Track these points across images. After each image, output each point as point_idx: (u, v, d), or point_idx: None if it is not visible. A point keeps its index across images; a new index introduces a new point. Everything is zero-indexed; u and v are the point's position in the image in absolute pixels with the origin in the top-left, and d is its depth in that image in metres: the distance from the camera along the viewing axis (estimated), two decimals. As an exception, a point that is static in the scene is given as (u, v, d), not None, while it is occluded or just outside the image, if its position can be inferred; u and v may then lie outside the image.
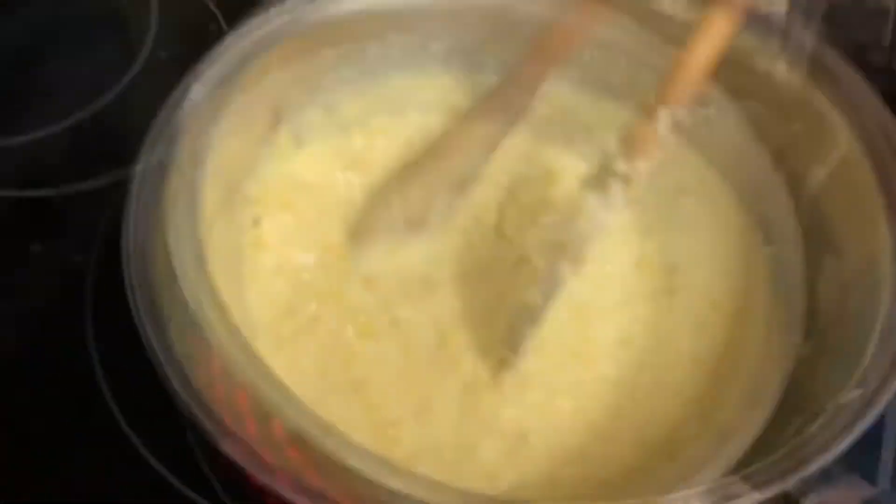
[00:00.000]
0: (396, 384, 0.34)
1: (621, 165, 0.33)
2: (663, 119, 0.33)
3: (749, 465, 0.27)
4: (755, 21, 0.50)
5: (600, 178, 0.34)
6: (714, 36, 0.35)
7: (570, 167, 0.39)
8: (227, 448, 0.25)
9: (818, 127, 0.49)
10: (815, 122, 0.49)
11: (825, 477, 0.26)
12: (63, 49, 0.47)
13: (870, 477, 0.35)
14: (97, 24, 0.48)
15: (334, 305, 0.36)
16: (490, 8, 0.37)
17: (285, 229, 0.38)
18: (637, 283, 0.37)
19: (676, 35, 0.36)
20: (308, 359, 0.34)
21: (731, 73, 0.49)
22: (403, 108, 0.40)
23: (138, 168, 0.32)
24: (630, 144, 0.33)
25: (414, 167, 0.39)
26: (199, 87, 0.32)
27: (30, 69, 0.46)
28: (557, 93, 0.39)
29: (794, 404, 0.31)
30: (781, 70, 0.50)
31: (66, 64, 0.46)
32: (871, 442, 0.32)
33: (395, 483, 0.24)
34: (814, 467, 0.26)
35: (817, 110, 0.51)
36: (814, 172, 0.50)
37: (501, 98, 0.38)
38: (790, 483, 0.25)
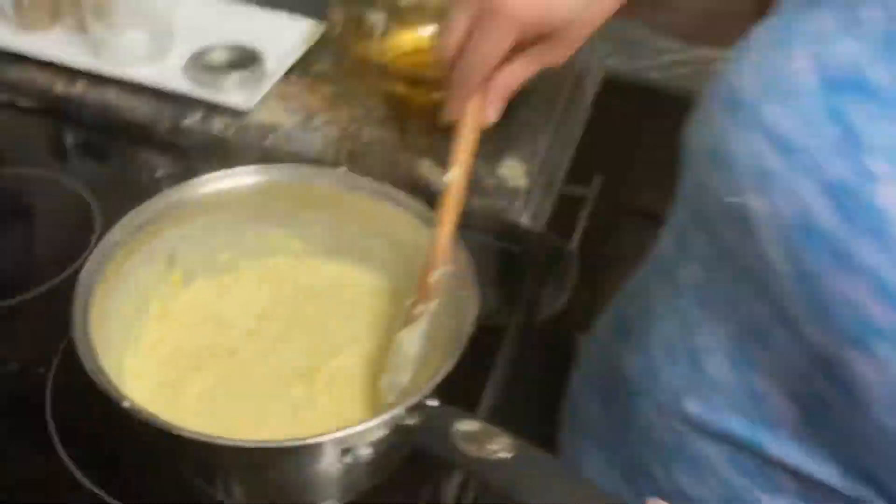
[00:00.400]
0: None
1: (420, 308, 0.53)
2: (436, 276, 0.54)
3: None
4: (484, 190, 0.74)
5: (410, 320, 0.53)
6: (450, 221, 0.56)
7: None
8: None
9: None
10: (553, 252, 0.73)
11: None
12: (35, 248, 0.69)
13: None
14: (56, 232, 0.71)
15: (209, 369, 0.56)
16: (296, 186, 0.61)
17: (175, 332, 0.58)
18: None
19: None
20: (191, 391, 0.54)
21: (490, 222, 0.73)
22: (259, 254, 0.62)
23: (77, 285, 0.53)
24: (422, 295, 0.53)
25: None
26: (115, 232, 0.54)
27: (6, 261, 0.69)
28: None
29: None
30: (525, 220, 0.74)
31: (36, 255, 0.68)
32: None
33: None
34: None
35: (553, 244, 0.74)
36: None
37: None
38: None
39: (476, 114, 0.55)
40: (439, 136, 0.78)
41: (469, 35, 0.52)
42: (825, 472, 0.44)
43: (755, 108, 0.44)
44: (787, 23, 0.47)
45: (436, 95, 0.76)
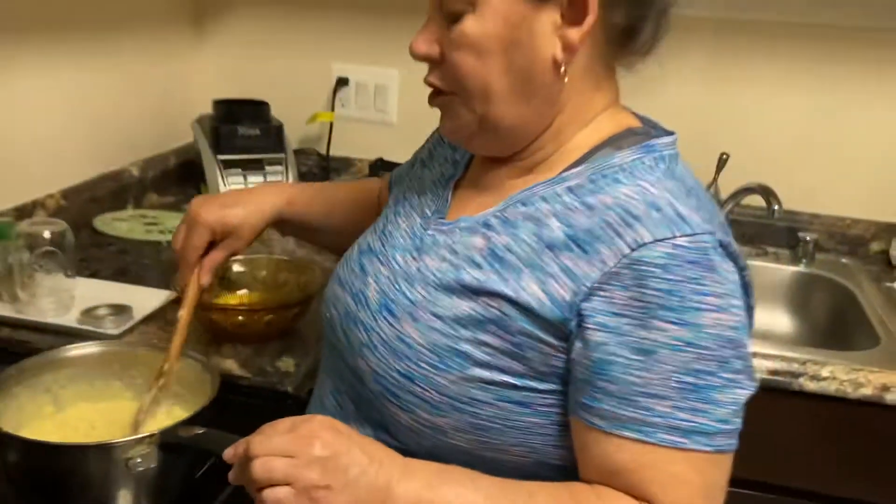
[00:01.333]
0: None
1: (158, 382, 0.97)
2: (166, 367, 0.98)
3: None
4: (267, 373, 1.16)
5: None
6: (178, 343, 1.00)
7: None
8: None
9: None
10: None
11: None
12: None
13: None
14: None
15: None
16: (125, 352, 1.03)
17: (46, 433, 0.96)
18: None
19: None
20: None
21: (267, 391, 1.14)
22: (100, 399, 1.02)
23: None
24: (158, 377, 0.97)
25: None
26: (9, 373, 0.94)
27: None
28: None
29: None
30: (290, 390, 1.15)
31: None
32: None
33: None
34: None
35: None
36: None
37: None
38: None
39: (196, 280, 1.03)
40: (240, 346, 1.21)
41: (185, 235, 1.02)
42: (370, 433, 0.83)
43: (336, 269, 0.91)
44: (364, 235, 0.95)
45: (240, 319, 1.21)
